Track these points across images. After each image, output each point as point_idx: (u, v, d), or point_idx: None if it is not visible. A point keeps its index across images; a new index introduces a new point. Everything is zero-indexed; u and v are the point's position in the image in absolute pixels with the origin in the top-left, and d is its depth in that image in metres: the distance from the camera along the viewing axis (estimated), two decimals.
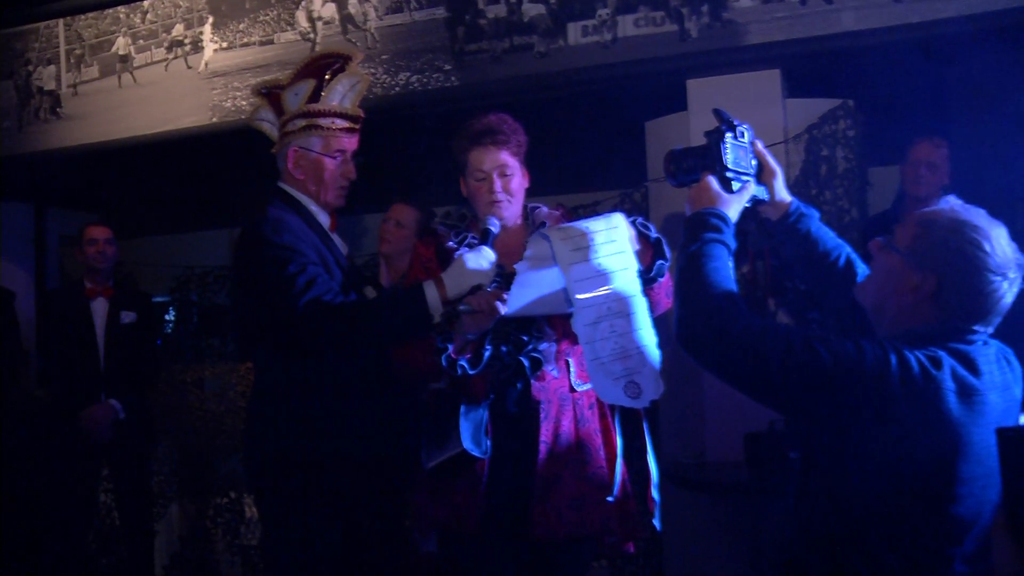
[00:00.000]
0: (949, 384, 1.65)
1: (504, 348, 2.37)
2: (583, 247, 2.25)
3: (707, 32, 3.84)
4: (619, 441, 2.48)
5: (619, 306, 2.25)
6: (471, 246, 2.48)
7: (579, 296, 2.23)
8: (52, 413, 4.53)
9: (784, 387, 1.70)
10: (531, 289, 2.30)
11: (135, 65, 5.06)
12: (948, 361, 1.68)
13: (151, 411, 4.66)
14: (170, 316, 5.41)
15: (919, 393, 1.64)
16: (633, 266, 2.30)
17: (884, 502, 1.68)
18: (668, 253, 2.40)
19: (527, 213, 2.60)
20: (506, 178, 2.49)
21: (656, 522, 2.48)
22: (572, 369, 2.46)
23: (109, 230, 4.51)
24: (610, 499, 2.44)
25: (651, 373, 2.26)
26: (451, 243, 2.52)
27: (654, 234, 2.41)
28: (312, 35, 4.61)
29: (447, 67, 4.27)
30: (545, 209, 2.61)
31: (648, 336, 2.28)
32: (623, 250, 2.29)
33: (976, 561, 1.69)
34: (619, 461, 2.46)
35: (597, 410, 2.50)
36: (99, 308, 4.46)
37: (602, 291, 2.23)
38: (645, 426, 2.49)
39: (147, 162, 5.30)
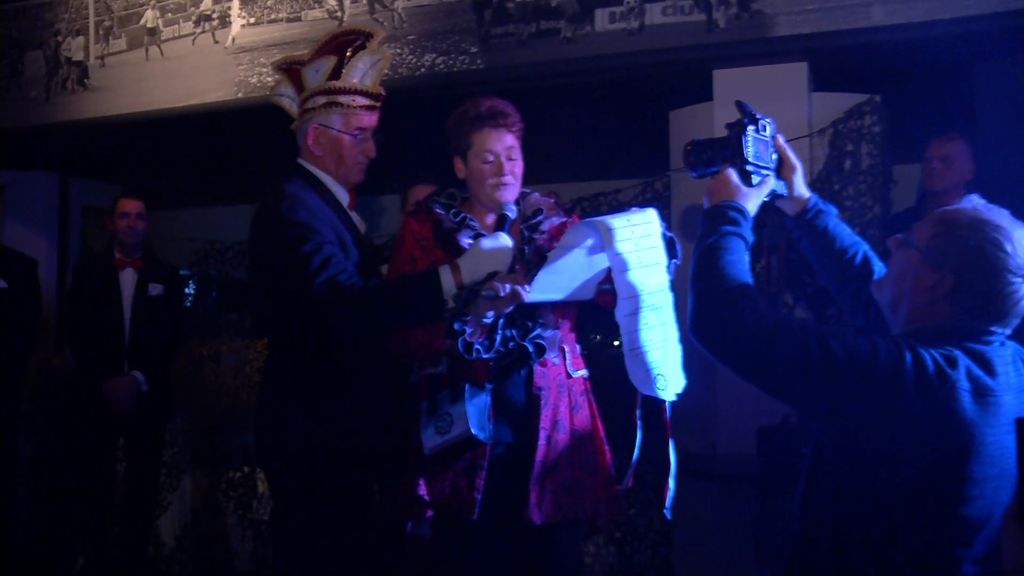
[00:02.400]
0: (964, 384, 1.64)
1: (509, 333, 2.38)
2: (627, 239, 2.26)
3: (735, 22, 3.82)
4: (639, 432, 2.48)
5: (652, 299, 2.26)
6: (472, 228, 2.48)
7: (622, 287, 2.24)
8: (75, 381, 4.56)
9: (796, 382, 1.69)
10: (560, 277, 2.32)
11: (162, 38, 5.08)
12: (964, 361, 1.66)
13: (172, 384, 4.69)
14: (190, 289, 5.45)
15: (933, 392, 1.62)
16: (664, 262, 2.31)
17: (894, 501, 1.67)
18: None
19: (519, 200, 2.59)
20: (513, 161, 2.49)
21: (667, 512, 2.48)
22: (568, 356, 2.49)
23: (141, 203, 4.52)
24: (620, 487, 2.47)
25: (674, 367, 2.28)
26: (449, 224, 2.50)
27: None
28: (339, 13, 4.61)
29: (473, 50, 4.26)
30: (537, 195, 2.61)
31: (673, 331, 2.30)
32: (656, 245, 2.30)
33: (986, 563, 1.68)
34: (636, 450, 2.46)
35: (587, 396, 2.54)
36: (127, 279, 4.48)
37: (639, 283, 2.25)
38: (668, 418, 2.50)
39: (172, 135, 5.32)
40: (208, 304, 5.35)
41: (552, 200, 2.61)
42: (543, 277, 2.28)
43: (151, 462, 4.58)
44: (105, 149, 5.75)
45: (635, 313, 2.24)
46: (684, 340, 2.20)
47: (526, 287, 2.25)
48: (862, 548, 1.69)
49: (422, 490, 2.45)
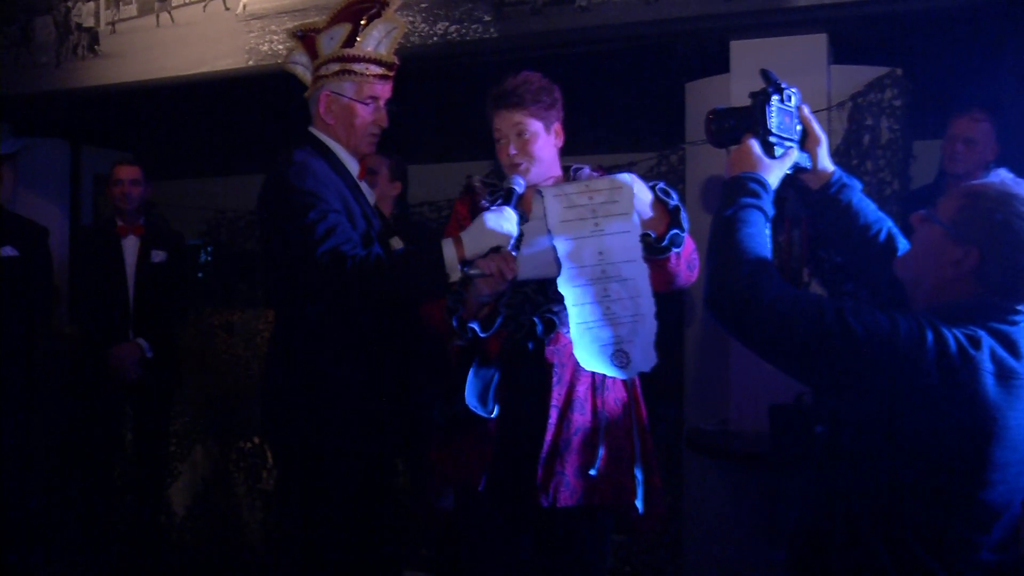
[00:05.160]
0: (987, 365, 1.60)
1: (519, 309, 2.33)
2: (578, 205, 2.19)
3: None
4: (641, 407, 2.44)
5: (614, 270, 2.17)
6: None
7: (568, 256, 2.17)
8: (81, 350, 4.55)
9: (813, 359, 1.66)
10: (538, 251, 2.25)
11: (173, 5, 5.03)
12: (988, 341, 1.62)
13: (178, 351, 4.68)
14: (201, 259, 5.43)
15: (955, 372, 1.58)
16: (635, 230, 2.20)
17: (911, 484, 1.63)
18: (686, 223, 2.32)
19: (569, 175, 2.53)
20: (522, 140, 2.44)
21: (639, 502, 2.39)
22: None
23: (138, 169, 4.49)
24: (592, 472, 2.33)
25: (643, 343, 2.18)
26: (484, 202, 2.48)
27: (674, 201, 2.31)
28: None
29: (486, 18, 4.20)
30: (587, 169, 2.55)
31: (645, 304, 2.19)
32: (625, 212, 2.20)
33: (1003, 550, 1.65)
34: (601, 432, 2.40)
35: (620, 379, 2.42)
36: (130, 246, 4.46)
37: (596, 253, 2.17)
38: (639, 398, 2.47)
39: (182, 103, 5.29)
40: (219, 274, 5.33)
41: (598, 175, 2.51)
42: (525, 253, 2.24)
43: (159, 430, 4.59)
44: (116, 116, 5.71)
45: (588, 284, 2.16)
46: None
47: (513, 265, 2.22)
48: (877, 530, 1.66)
49: (438, 459, 2.47)
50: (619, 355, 2.18)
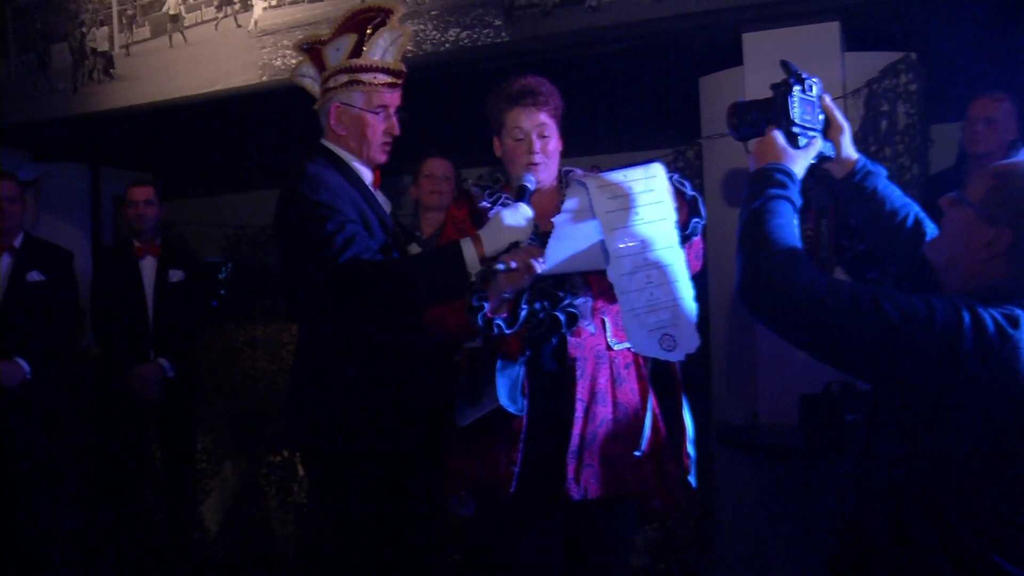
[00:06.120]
0: None
1: (539, 304, 2.33)
2: (620, 195, 2.22)
3: None
4: (650, 398, 2.46)
5: (655, 257, 2.21)
6: (506, 205, 2.45)
7: (616, 245, 2.20)
8: (103, 370, 4.58)
9: (850, 346, 1.65)
10: (569, 243, 2.27)
11: (185, 24, 5.06)
12: None
13: (198, 370, 4.69)
14: (223, 275, 5.46)
15: (994, 352, 1.57)
16: (671, 217, 2.26)
17: (954, 466, 1.62)
18: (704, 212, 2.36)
19: (561, 176, 2.56)
20: (544, 139, 2.47)
21: (692, 479, 2.46)
22: (608, 327, 2.43)
23: (151, 189, 4.50)
24: (637, 453, 2.39)
25: (687, 326, 2.22)
26: (485, 203, 2.49)
27: (690, 192, 2.36)
28: None
29: (497, 22, 4.20)
30: (579, 171, 2.57)
31: (685, 288, 2.24)
32: (661, 200, 2.25)
33: None
34: (648, 417, 2.44)
35: (634, 370, 2.47)
36: (147, 266, 4.48)
37: (639, 241, 2.20)
38: (680, 379, 2.48)
39: (198, 122, 5.31)
40: (241, 290, 5.36)
41: (593, 175, 2.56)
42: (553, 245, 2.25)
43: (184, 448, 4.60)
44: (133, 138, 5.75)
45: (633, 272, 2.20)
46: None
47: (540, 259, 2.23)
48: (922, 515, 1.65)
49: (460, 465, 2.46)
50: (666, 339, 2.21)
